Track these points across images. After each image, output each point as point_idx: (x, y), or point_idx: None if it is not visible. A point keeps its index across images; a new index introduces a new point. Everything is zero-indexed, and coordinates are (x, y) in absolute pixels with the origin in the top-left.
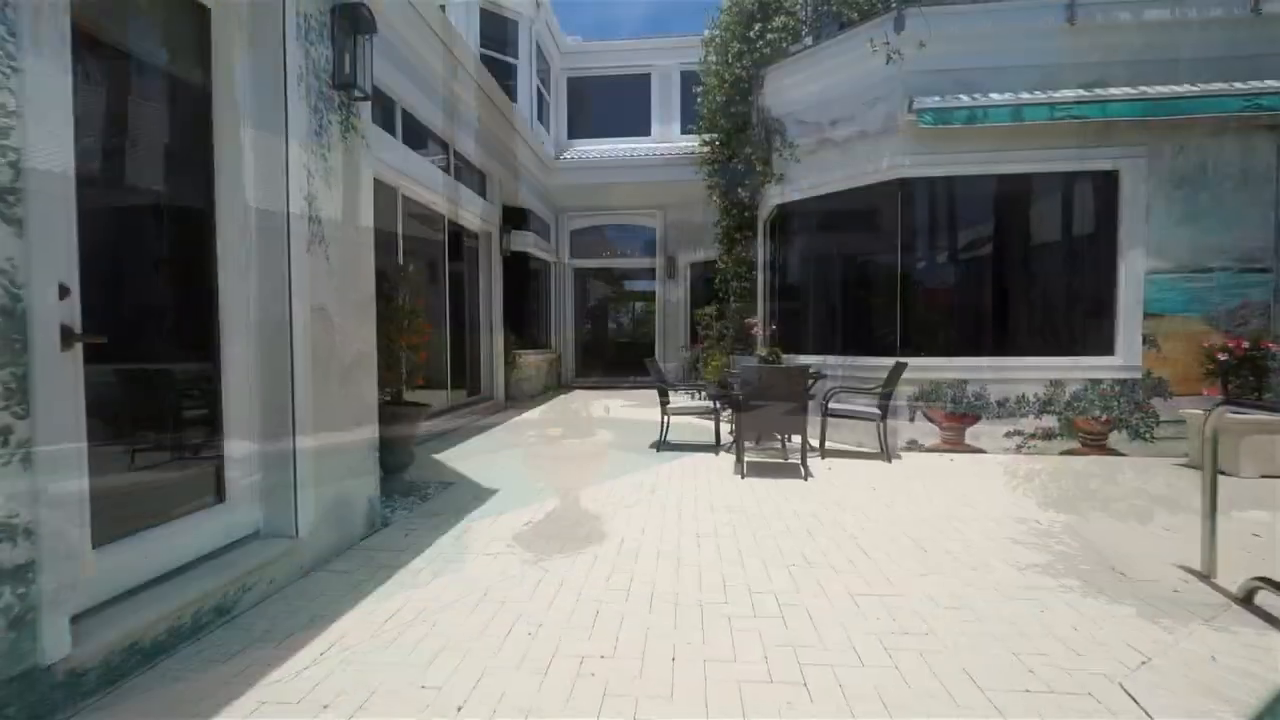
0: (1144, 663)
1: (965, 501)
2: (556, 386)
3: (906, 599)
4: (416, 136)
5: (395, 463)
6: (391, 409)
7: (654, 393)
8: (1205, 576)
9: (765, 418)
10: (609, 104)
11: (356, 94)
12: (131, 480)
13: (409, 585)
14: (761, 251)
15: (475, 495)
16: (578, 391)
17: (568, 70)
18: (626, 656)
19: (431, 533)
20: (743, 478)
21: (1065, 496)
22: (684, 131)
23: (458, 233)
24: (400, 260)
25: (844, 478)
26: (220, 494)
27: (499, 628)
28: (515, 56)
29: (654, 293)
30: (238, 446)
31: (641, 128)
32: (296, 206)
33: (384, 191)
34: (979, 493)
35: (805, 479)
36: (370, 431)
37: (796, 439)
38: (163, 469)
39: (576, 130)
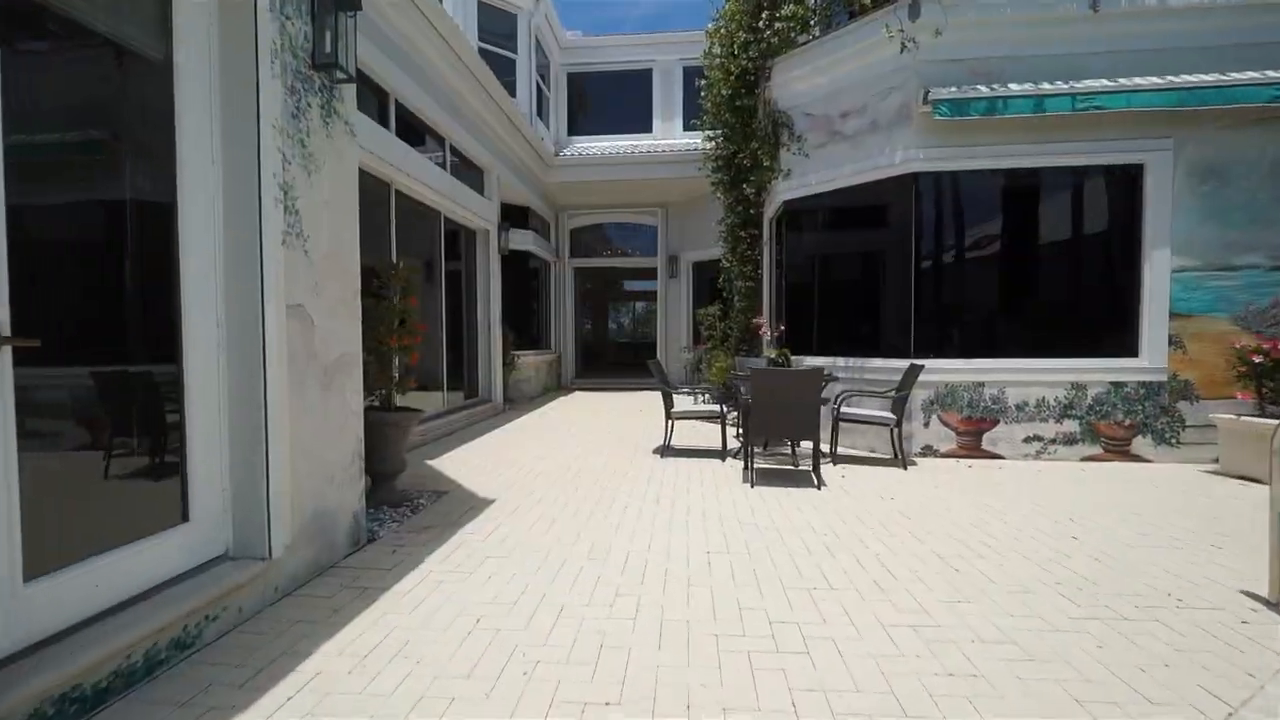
0: (1230, 714)
1: (990, 512)
2: (556, 388)
3: (944, 630)
4: (412, 130)
5: (385, 471)
6: (380, 414)
7: (655, 394)
8: (1274, 604)
9: (775, 422)
10: (610, 100)
11: (339, 75)
12: (80, 499)
13: (393, 612)
14: (768, 250)
15: (470, 506)
16: (578, 393)
17: (567, 66)
18: (635, 702)
19: (421, 549)
20: (752, 486)
21: (1095, 507)
22: (687, 128)
23: (454, 230)
24: (393, 257)
25: (859, 486)
26: (184, 512)
27: (490, 666)
28: (514, 51)
29: (656, 292)
30: (203, 458)
31: (643, 124)
32: (270, 195)
33: (377, 186)
34: (1003, 503)
35: (818, 488)
36: (355, 439)
37: (806, 445)
38: (117, 484)
39: (577, 127)
